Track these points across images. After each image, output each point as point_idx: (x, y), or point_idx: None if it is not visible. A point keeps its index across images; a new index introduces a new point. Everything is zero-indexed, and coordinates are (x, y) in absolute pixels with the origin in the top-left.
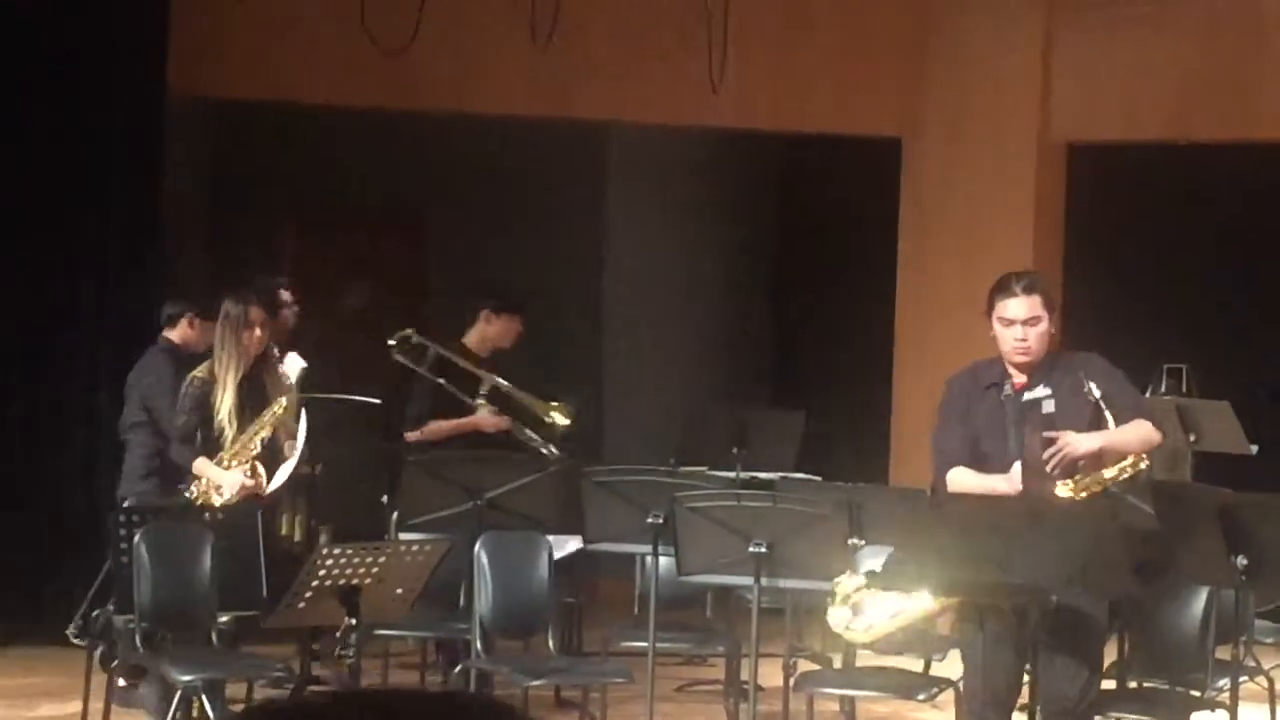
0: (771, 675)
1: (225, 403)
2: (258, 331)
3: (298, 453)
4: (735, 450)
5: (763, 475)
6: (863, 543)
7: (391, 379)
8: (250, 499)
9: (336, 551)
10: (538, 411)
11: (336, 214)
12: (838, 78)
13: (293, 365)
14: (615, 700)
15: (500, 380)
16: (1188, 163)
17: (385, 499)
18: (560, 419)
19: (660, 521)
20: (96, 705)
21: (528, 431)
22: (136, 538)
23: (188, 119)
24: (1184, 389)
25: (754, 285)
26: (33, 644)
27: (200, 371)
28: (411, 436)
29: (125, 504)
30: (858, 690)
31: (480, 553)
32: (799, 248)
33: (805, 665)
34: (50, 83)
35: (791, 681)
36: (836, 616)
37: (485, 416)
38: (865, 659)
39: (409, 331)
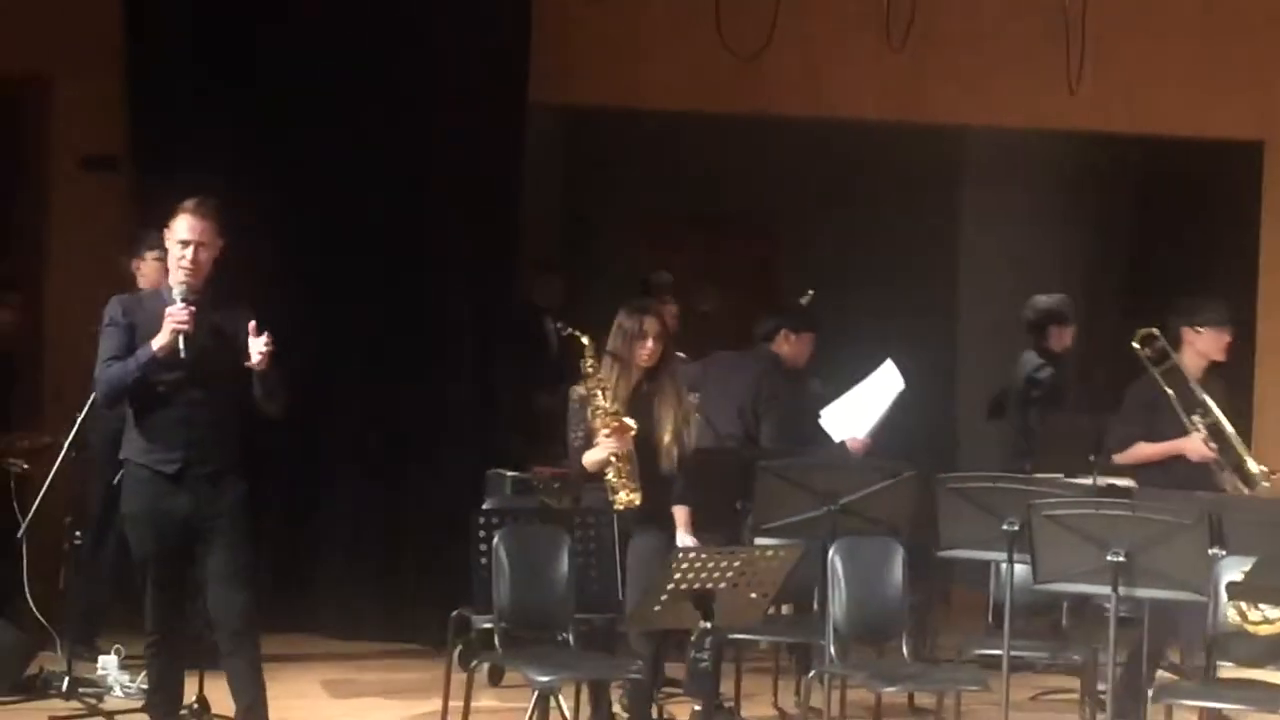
0: None
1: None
2: (649, 344)
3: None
4: (1092, 457)
5: (1120, 483)
6: (1224, 553)
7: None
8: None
9: (692, 555)
10: (1242, 461)
11: (688, 218)
12: (1197, 80)
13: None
14: (969, 708)
15: (1223, 418)
16: None
17: (740, 504)
18: (1261, 478)
19: (1016, 529)
20: (456, 704)
21: (1227, 473)
22: (496, 539)
23: (545, 126)
24: None
25: (1111, 290)
26: (399, 641)
27: (580, 386)
28: (1119, 458)
29: (484, 506)
30: (1218, 702)
31: (834, 558)
32: (1157, 252)
33: (1163, 676)
34: (416, 92)
35: (1150, 693)
36: (1234, 608)
37: (1196, 443)
38: (1225, 671)
39: (1155, 330)
